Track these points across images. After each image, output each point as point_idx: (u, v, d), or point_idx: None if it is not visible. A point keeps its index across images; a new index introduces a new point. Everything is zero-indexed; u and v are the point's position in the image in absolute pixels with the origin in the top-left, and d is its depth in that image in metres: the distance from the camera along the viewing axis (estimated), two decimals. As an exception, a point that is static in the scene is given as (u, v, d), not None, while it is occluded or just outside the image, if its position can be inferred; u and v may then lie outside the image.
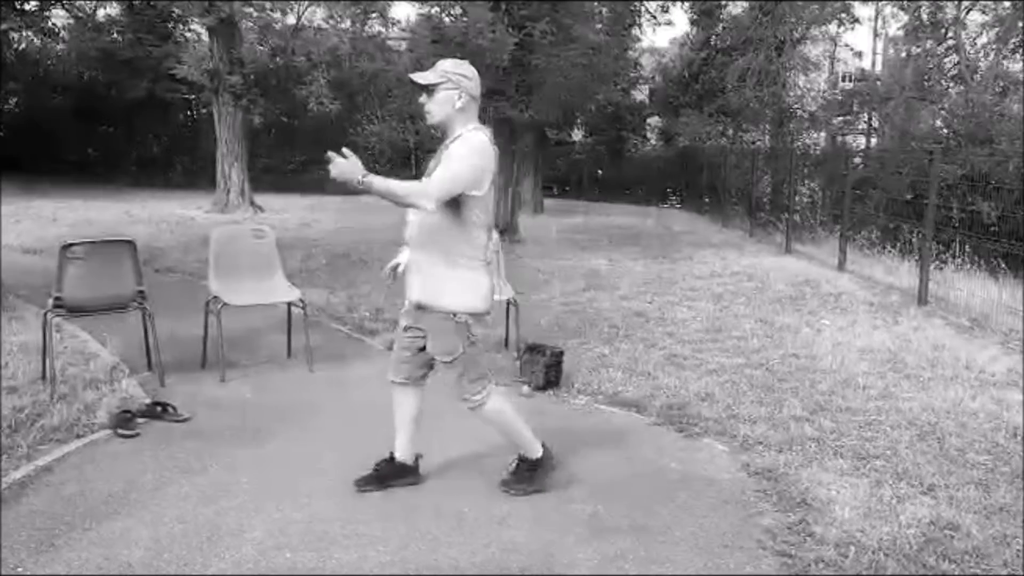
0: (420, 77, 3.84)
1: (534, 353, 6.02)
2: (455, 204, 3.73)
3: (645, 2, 24.24)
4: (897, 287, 10.11)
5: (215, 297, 6.11)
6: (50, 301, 5.59)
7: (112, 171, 25.84)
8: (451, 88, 3.81)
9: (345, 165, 3.45)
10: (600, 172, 28.57)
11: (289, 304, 6.47)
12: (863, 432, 5.11)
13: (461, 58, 4.06)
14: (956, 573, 3.52)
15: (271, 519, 3.84)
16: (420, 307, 3.91)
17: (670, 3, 24.66)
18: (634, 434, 5.12)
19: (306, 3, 26.14)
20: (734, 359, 6.75)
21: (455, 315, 3.83)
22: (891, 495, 4.21)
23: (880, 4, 25.82)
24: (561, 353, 6.11)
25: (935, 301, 9.20)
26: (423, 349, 4.01)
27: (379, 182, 3.50)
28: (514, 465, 4.23)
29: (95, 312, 5.83)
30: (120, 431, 4.83)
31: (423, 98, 3.84)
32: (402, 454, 4.26)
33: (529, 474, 4.20)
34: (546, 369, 5.89)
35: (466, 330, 3.87)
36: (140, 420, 5.00)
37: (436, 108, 3.84)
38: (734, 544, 3.71)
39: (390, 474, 4.23)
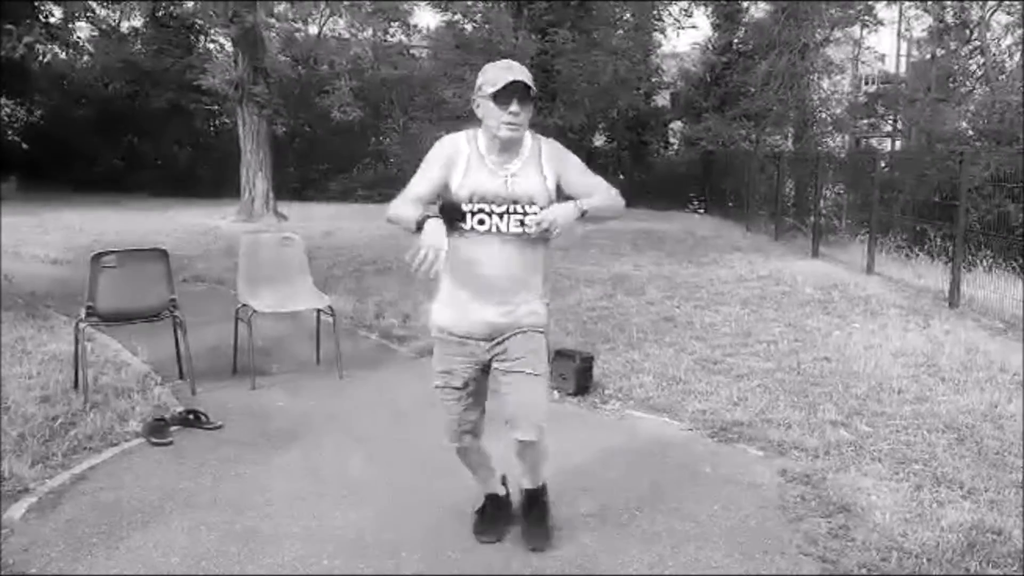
0: (531, 83, 3.23)
1: (564, 359, 5.98)
2: None
3: (668, 4, 24.17)
4: (927, 290, 10.01)
5: (244, 305, 6.13)
6: (82, 310, 5.61)
7: (137, 181, 26.00)
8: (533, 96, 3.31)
9: (560, 211, 3.24)
10: (622, 177, 28.50)
11: (318, 311, 6.48)
12: (900, 436, 5.04)
13: (479, 64, 3.74)
14: (1001, 578, 3.47)
15: (306, 526, 3.83)
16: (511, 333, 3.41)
17: (693, 3, 24.58)
18: (667, 440, 5.07)
19: (327, 12, 26.32)
20: (765, 363, 6.70)
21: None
22: (931, 499, 4.15)
23: (904, 5, 25.66)
24: (591, 359, 6.07)
25: (966, 303, 9.10)
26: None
27: (591, 203, 3.30)
28: None
29: (127, 321, 5.86)
30: (153, 439, 4.84)
31: (514, 107, 3.21)
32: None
33: None
34: (577, 375, 5.86)
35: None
36: (173, 428, 5.00)
37: (527, 120, 3.28)
38: (774, 549, 3.66)
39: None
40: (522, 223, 3.29)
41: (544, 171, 3.35)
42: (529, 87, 3.22)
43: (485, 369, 3.51)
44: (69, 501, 4.06)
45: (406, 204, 3.24)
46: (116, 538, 3.69)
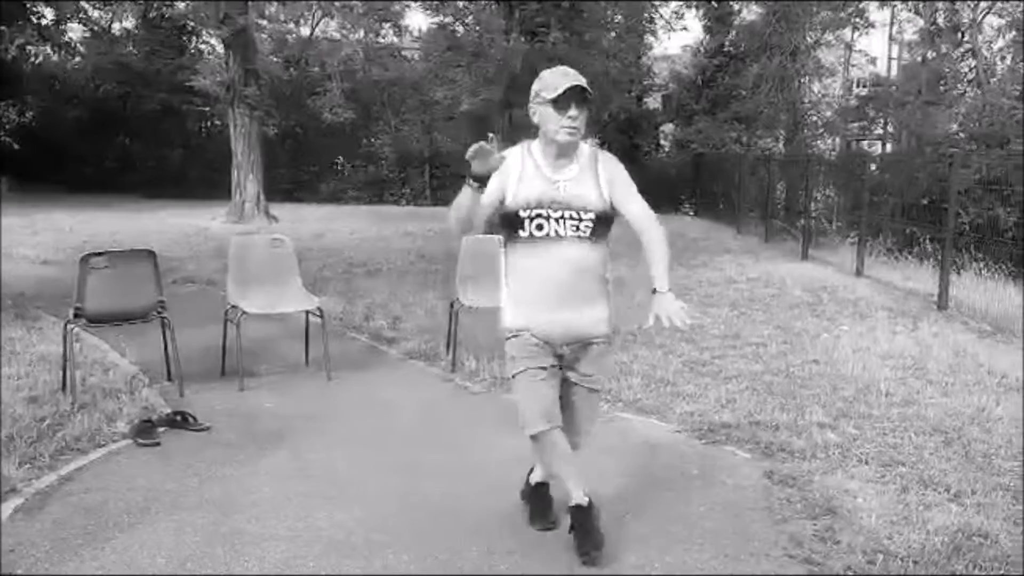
0: (587, 87, 3.34)
1: (553, 361, 5.98)
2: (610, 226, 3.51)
3: (659, 6, 24.20)
4: (916, 292, 10.04)
5: (233, 306, 6.12)
6: (71, 312, 5.60)
7: (130, 182, 25.99)
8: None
9: (670, 306, 3.32)
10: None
11: (307, 313, 6.47)
12: (887, 438, 5.06)
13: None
14: (986, 580, 3.48)
15: (293, 528, 3.83)
16: (584, 342, 3.53)
17: (684, 4, 24.61)
18: (655, 441, 5.08)
19: (319, 14, 26.30)
20: (753, 365, 6.71)
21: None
22: (918, 502, 4.16)
23: (896, 8, 25.72)
24: (580, 360, 6.07)
25: (955, 306, 9.13)
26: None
27: (665, 271, 3.40)
28: None
29: (116, 322, 5.85)
30: (140, 440, 4.83)
31: (573, 111, 3.32)
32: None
33: None
34: (565, 377, 5.85)
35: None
36: (160, 429, 4.99)
37: (583, 124, 3.37)
38: (760, 552, 3.67)
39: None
40: (578, 227, 3.39)
41: (600, 181, 3.44)
42: (586, 91, 3.31)
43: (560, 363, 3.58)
44: (56, 502, 4.05)
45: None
46: (102, 539, 3.68)
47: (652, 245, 3.46)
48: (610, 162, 3.52)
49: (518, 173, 3.41)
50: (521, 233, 3.40)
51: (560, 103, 3.30)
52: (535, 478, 3.96)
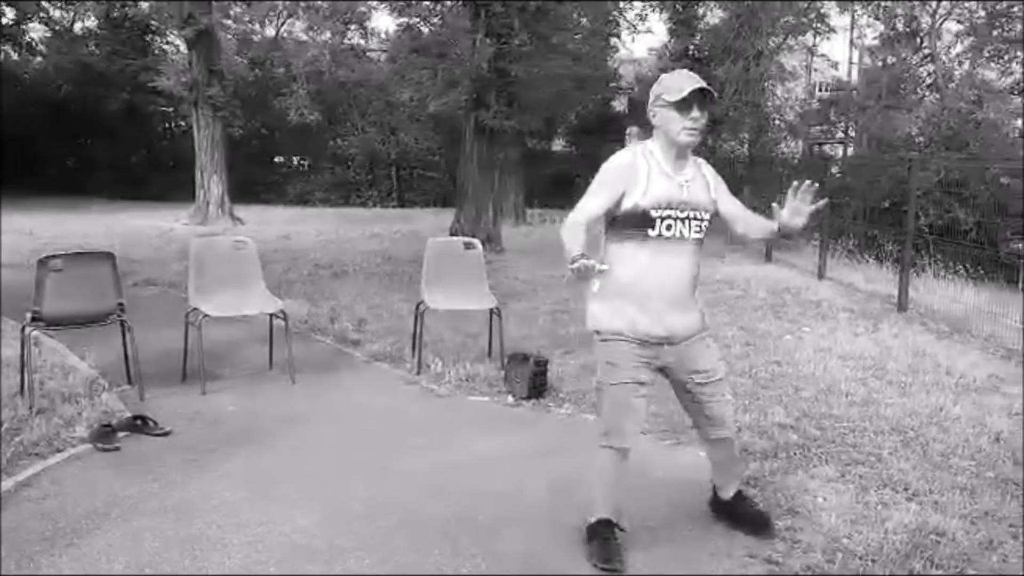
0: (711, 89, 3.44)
1: (518, 362, 5.99)
2: None
3: (624, 3, 24.30)
4: (877, 294, 10.16)
5: (195, 309, 6.07)
6: (28, 315, 5.53)
7: (90, 184, 25.70)
8: None
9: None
10: (578, 178, 28.60)
11: (270, 315, 6.43)
12: (847, 439, 5.11)
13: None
14: (943, 578, 3.52)
15: (254, 533, 3.80)
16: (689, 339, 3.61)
17: (647, 3, 24.73)
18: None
19: (284, 14, 26.17)
20: (717, 367, 6.74)
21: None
22: (877, 501, 4.21)
23: (857, 14, 25.99)
24: (546, 362, 6.08)
25: (915, 307, 9.24)
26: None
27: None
28: None
29: (74, 326, 5.78)
30: (100, 445, 4.77)
31: (695, 113, 3.42)
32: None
33: None
34: (531, 378, 5.87)
35: None
36: (120, 434, 4.94)
37: (704, 125, 3.48)
38: (722, 552, 3.69)
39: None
40: (700, 228, 3.52)
41: (710, 186, 3.59)
42: (709, 92, 3.40)
43: (659, 371, 3.63)
44: (12, 508, 3.99)
45: (577, 230, 3.34)
46: (60, 545, 3.63)
47: (755, 216, 3.65)
48: (712, 170, 3.66)
49: (645, 178, 3.44)
50: (651, 232, 3.44)
51: (683, 105, 3.38)
52: (599, 515, 3.71)
